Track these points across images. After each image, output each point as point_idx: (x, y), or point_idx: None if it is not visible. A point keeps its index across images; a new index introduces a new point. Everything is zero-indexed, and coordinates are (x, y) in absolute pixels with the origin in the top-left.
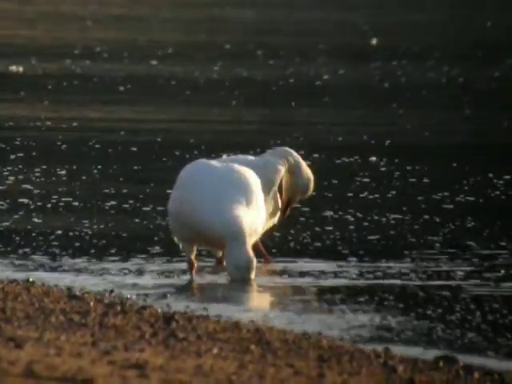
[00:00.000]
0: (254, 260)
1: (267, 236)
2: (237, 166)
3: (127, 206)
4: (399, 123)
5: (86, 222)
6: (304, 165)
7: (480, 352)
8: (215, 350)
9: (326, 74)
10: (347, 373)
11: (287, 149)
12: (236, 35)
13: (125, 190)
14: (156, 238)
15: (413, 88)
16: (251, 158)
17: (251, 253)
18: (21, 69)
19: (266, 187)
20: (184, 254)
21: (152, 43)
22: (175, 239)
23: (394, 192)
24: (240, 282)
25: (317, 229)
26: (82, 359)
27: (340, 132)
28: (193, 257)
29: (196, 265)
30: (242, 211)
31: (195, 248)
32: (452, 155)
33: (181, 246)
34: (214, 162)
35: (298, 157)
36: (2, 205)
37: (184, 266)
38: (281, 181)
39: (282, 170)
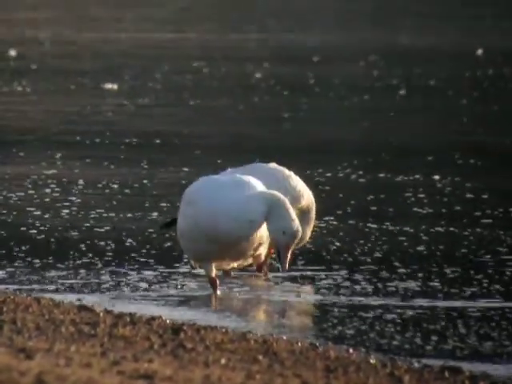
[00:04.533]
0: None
1: (323, 247)
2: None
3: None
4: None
5: (102, 231)
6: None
7: (485, 362)
8: (223, 361)
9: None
10: (354, 383)
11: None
12: None
13: (139, 200)
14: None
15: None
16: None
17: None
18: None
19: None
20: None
21: None
22: (192, 261)
23: (456, 208)
24: (283, 247)
25: (361, 241)
26: (91, 370)
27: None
28: (213, 275)
29: (218, 282)
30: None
31: (214, 266)
32: None
33: (198, 266)
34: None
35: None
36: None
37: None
38: None
39: (305, 196)
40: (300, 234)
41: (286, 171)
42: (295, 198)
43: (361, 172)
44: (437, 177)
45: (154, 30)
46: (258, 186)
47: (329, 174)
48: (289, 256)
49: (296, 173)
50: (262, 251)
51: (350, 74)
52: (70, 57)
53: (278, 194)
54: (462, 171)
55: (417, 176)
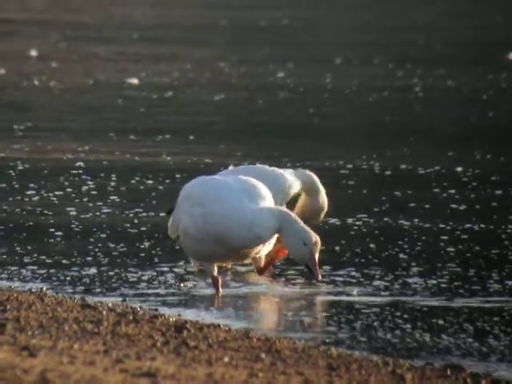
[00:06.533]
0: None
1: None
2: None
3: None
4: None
5: (105, 230)
6: (323, 192)
7: (487, 360)
8: (226, 359)
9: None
10: (356, 381)
11: (308, 172)
12: None
13: (136, 203)
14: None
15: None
16: (265, 169)
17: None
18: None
19: (277, 198)
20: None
21: None
22: (193, 261)
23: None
24: (309, 257)
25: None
26: (94, 367)
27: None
28: (215, 273)
29: (220, 279)
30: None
31: (216, 265)
32: None
33: (200, 265)
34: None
35: (319, 183)
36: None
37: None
38: (296, 198)
39: (296, 186)
40: (319, 239)
41: (278, 171)
42: (288, 195)
43: (379, 163)
44: (459, 168)
45: None
46: (266, 193)
47: (350, 166)
48: (317, 264)
49: (318, 168)
50: (262, 254)
51: (368, 74)
52: None
53: (285, 209)
54: (485, 164)
55: (438, 168)
